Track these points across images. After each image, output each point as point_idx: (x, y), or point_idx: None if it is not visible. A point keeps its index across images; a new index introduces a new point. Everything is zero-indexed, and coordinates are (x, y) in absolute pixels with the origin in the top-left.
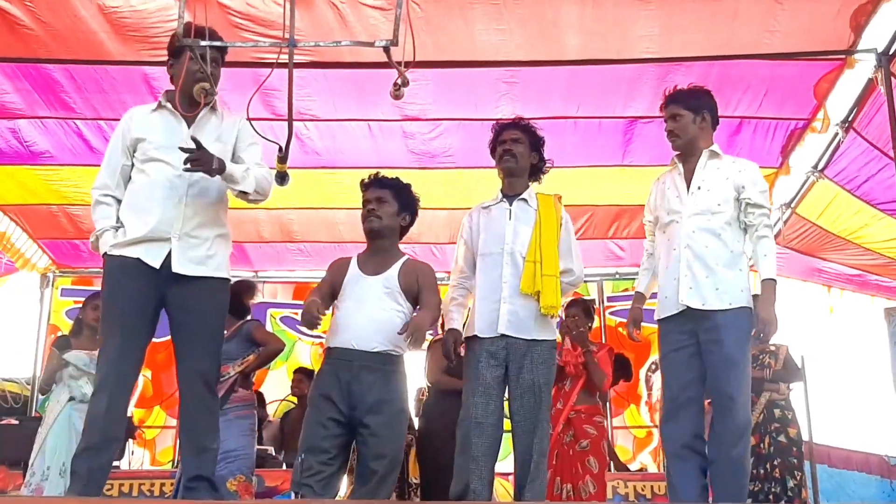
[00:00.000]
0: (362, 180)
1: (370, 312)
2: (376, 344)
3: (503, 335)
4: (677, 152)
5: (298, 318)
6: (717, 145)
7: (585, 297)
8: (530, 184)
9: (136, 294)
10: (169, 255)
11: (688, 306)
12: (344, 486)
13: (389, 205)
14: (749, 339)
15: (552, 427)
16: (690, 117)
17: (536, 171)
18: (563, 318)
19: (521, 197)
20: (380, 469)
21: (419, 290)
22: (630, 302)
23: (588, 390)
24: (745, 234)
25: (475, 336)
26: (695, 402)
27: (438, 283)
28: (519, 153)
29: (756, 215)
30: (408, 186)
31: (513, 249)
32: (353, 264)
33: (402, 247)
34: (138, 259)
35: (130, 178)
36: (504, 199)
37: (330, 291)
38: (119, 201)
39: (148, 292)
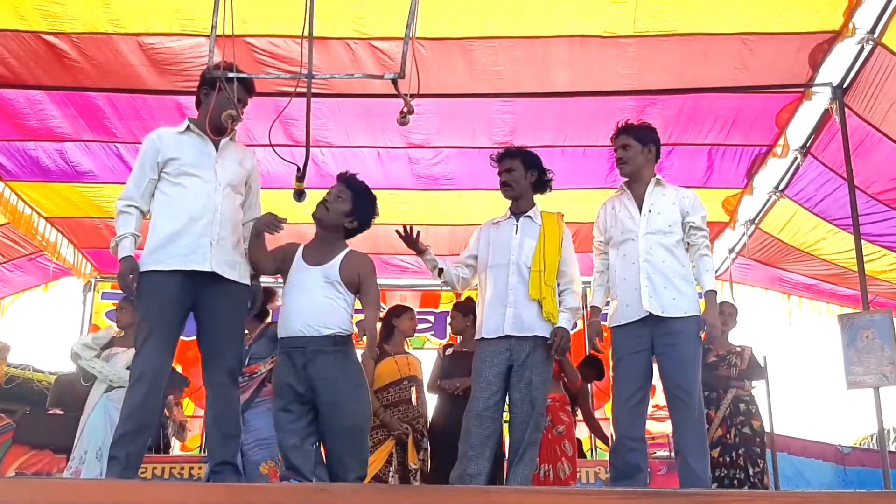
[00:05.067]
0: (341, 173)
1: (314, 301)
2: (324, 328)
3: (508, 336)
4: (625, 179)
5: None
6: (661, 175)
7: None
8: (535, 200)
9: (171, 297)
10: (206, 258)
11: (650, 313)
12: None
13: (344, 204)
14: (700, 343)
15: None
16: (639, 148)
17: (542, 185)
18: None
19: (528, 214)
20: (348, 439)
21: (360, 281)
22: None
23: (557, 382)
24: (687, 252)
25: (482, 338)
26: (643, 400)
27: (421, 289)
28: (514, 181)
29: (698, 236)
30: (369, 197)
31: (518, 260)
32: (299, 255)
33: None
34: (174, 267)
35: (158, 191)
36: (512, 216)
37: (280, 256)
38: (142, 211)
39: (182, 295)
